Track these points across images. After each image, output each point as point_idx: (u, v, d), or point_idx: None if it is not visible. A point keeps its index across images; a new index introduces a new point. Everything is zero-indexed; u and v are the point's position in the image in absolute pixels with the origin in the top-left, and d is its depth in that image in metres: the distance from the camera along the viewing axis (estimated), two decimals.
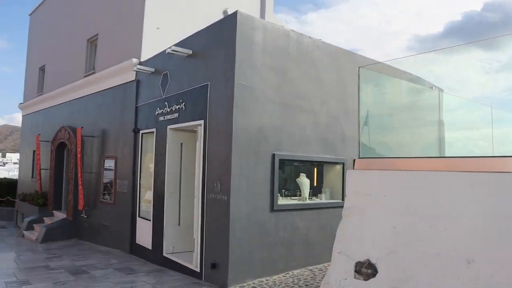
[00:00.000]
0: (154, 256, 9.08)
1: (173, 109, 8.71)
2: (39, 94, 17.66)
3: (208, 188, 7.37)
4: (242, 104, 7.08)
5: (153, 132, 9.51)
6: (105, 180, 11.78)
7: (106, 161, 11.78)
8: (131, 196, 10.35)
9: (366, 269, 4.68)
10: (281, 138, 7.70)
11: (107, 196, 11.60)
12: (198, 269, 7.53)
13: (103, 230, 11.56)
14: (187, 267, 7.87)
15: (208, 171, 7.43)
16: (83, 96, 13.56)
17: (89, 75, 13.38)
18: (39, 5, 19.22)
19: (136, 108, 10.47)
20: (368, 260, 4.69)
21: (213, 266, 7.07)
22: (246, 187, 7.07)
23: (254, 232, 7.17)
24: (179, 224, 8.80)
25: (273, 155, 7.51)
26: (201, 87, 7.87)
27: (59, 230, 12.91)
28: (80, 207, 12.42)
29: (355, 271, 4.77)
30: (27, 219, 14.51)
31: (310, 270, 7.99)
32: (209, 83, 7.65)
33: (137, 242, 9.99)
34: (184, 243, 8.79)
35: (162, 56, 9.49)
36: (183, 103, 8.40)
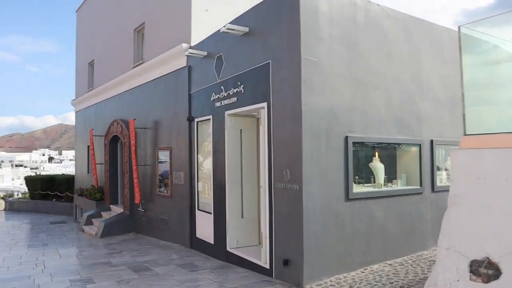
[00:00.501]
0: (217, 251, 8.57)
1: (231, 93, 8.08)
2: (90, 89, 17.64)
3: (276, 177, 6.69)
4: (310, 82, 6.32)
5: (209, 119, 8.95)
6: (160, 172, 11.41)
7: (160, 152, 11.39)
8: (189, 188, 9.88)
9: (485, 269, 3.85)
10: (353, 118, 6.89)
11: (163, 189, 11.23)
12: (267, 266, 6.90)
13: (161, 224, 11.22)
14: (255, 263, 7.26)
15: (274, 158, 6.75)
16: (133, 88, 13.25)
17: (138, 65, 13.02)
18: (85, 1, 19.17)
19: (189, 95, 9.94)
20: (488, 258, 3.85)
21: (286, 262, 6.40)
22: (319, 174, 6.33)
23: (329, 224, 6.44)
24: (242, 217, 8.20)
25: (346, 137, 6.72)
26: (261, 67, 7.17)
27: (117, 225, 12.73)
28: (136, 201, 12.15)
29: (471, 271, 3.94)
30: (86, 214, 14.49)
31: (390, 265, 7.17)
32: (270, 61, 6.93)
33: (197, 236, 9.52)
34: (249, 237, 8.21)
35: (215, 37, 8.88)
36: (242, 86, 7.74)
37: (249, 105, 7.52)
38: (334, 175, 6.53)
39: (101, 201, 15.07)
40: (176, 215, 10.51)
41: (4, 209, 27.73)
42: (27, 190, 27.41)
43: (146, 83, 12.37)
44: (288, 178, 6.38)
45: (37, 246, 11.28)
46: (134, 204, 12.61)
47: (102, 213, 14.42)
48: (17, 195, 33.75)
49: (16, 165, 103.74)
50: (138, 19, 13.46)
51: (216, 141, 8.65)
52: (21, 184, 43.85)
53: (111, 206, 14.60)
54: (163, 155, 11.21)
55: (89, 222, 14.24)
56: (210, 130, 8.88)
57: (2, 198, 31.34)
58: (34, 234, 14.13)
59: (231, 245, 8.10)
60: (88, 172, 17.53)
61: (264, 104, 6.99)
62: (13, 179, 64.63)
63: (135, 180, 12.07)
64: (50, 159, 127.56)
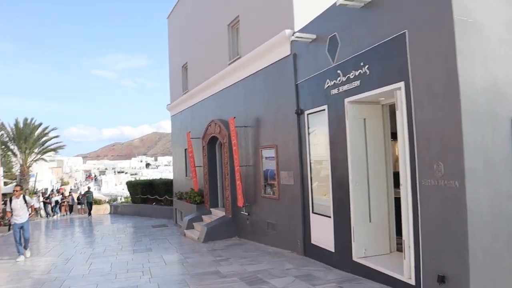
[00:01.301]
0: (339, 260, 7.43)
1: (351, 77, 6.91)
2: (185, 92, 17.43)
3: (422, 171, 5.39)
4: (466, 50, 4.95)
5: (323, 110, 7.85)
6: (264, 173, 10.54)
7: (264, 151, 10.52)
8: (300, 188, 8.86)
9: None
10: None
11: (269, 190, 10.34)
12: (412, 281, 5.61)
13: (268, 228, 10.33)
14: (393, 277, 6.01)
15: (419, 148, 5.45)
16: (230, 85, 12.59)
17: (234, 61, 12.32)
18: (175, 6, 19.09)
19: (296, 86, 8.94)
20: None
21: (442, 279, 5.07)
22: (483, 166, 4.92)
23: (499, 230, 5.00)
24: (370, 221, 6.97)
25: None
26: (392, 40, 5.92)
27: (220, 229, 12.11)
28: (239, 204, 11.42)
29: None
30: (186, 218, 14.13)
31: None
32: (406, 31, 5.66)
33: (312, 242, 8.46)
34: (378, 245, 6.96)
35: (325, 16, 7.78)
36: (366, 67, 6.54)
37: (377, 88, 6.30)
38: (502, 167, 5.07)
39: (201, 204, 14.65)
40: (286, 218, 9.55)
41: (110, 213, 29.03)
42: (129, 195, 28.45)
43: (244, 79, 11.62)
44: (442, 173, 5.05)
45: (142, 251, 10.97)
46: (237, 207, 11.90)
47: (202, 216, 13.97)
48: (120, 199, 35.44)
49: (118, 172, 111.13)
50: (231, 13, 12.78)
51: (333, 134, 7.53)
52: (123, 189, 46.31)
53: (211, 209, 14.10)
54: (268, 154, 10.33)
55: (190, 226, 13.85)
56: (325, 122, 7.77)
57: (108, 202, 33.01)
58: (138, 238, 14.05)
59: (358, 254, 6.91)
60: (186, 175, 17.32)
61: (401, 84, 5.73)
62: (115, 185, 68.96)
63: (238, 182, 11.35)
64: (147, 165, 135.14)
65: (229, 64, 12.65)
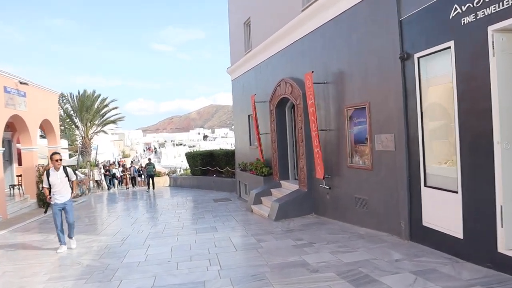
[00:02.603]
0: (473, 250, 5.47)
1: None
2: (248, 51, 15.63)
3: None
4: None
5: (447, 48, 5.75)
6: (352, 137, 8.64)
7: (350, 111, 8.59)
8: (405, 155, 6.88)
9: None
10: None
11: (357, 159, 8.44)
12: None
13: (357, 205, 8.49)
14: None
15: None
16: (303, 36, 10.63)
17: (309, 6, 10.29)
18: None
19: (400, 22, 6.85)
20: None
21: None
22: None
23: None
24: None
25: None
26: None
27: (293, 205, 10.41)
28: (318, 175, 9.62)
29: None
30: (253, 192, 12.54)
31: None
32: None
33: (424, 224, 6.52)
34: None
35: None
36: None
37: None
38: None
39: (269, 177, 13.02)
40: (382, 193, 7.65)
41: (169, 185, 28.33)
42: (188, 166, 27.50)
43: (322, 25, 9.62)
44: None
45: (206, 231, 9.52)
46: (314, 179, 10.13)
47: (271, 190, 12.33)
48: (179, 171, 34.81)
49: (176, 144, 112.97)
50: None
51: (465, 79, 5.45)
52: (182, 161, 46.04)
53: (281, 182, 12.42)
54: (356, 114, 8.39)
55: (257, 201, 12.27)
56: (450, 64, 5.69)
57: (167, 174, 32.45)
58: (200, 214, 12.68)
59: (509, 245, 4.92)
60: (251, 145, 15.72)
61: None
62: (174, 157, 69.56)
63: (316, 150, 9.52)
64: (205, 137, 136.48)
65: (302, 11, 10.64)
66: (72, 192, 8.57)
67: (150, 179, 23.91)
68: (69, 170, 8.60)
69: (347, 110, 8.68)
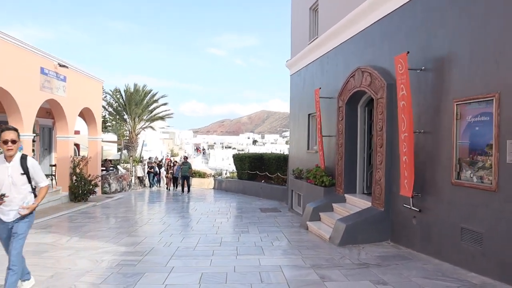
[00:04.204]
0: None
1: None
2: (313, 39, 13.36)
3: None
4: None
5: None
6: (461, 144, 6.16)
7: (463, 106, 6.12)
8: None
9: None
10: None
11: (470, 174, 5.94)
12: None
13: (464, 239, 5.99)
14: None
15: None
16: (390, 13, 8.26)
17: None
18: None
19: None
20: None
21: None
22: None
23: None
24: None
25: None
26: None
27: (364, 227, 8.02)
28: (404, 192, 7.20)
29: None
30: (310, 206, 10.21)
31: None
32: None
33: None
34: None
35: None
36: None
37: None
38: None
39: (331, 188, 10.65)
40: (511, 227, 5.15)
41: (213, 187, 26.48)
42: (234, 170, 25.53)
43: None
44: None
45: (249, 253, 7.35)
46: (395, 196, 7.71)
47: (333, 205, 9.98)
48: (225, 173, 32.97)
49: (225, 147, 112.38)
50: None
51: None
52: (229, 164, 44.39)
53: (346, 195, 10.04)
54: (474, 111, 5.92)
55: (315, 216, 9.94)
56: None
57: (213, 176, 30.67)
58: (243, 226, 10.51)
59: None
60: (308, 148, 13.41)
61: None
62: (222, 159, 68.37)
63: (404, 158, 7.09)
64: (254, 142, 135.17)
65: None
66: (34, 202, 4.73)
67: (185, 181, 21.31)
68: (32, 163, 4.69)
69: (456, 104, 6.21)
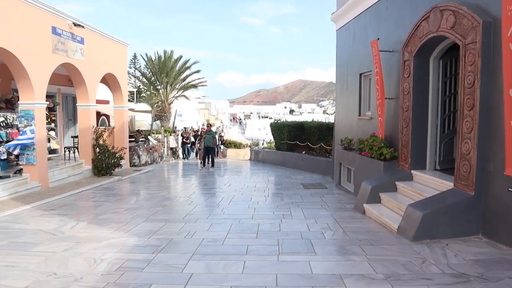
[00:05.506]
0: None
1: None
2: None
3: None
4: None
5: None
6: None
7: None
8: None
9: None
10: None
11: None
12: None
13: None
14: None
15: None
16: None
17: None
18: None
19: None
20: None
21: None
22: None
23: None
24: None
25: None
26: None
27: (448, 217, 6.04)
28: (508, 172, 5.14)
29: None
30: (368, 185, 8.24)
31: None
32: None
33: None
34: None
35: None
36: None
37: None
38: None
39: (392, 162, 8.64)
40: None
41: (250, 159, 24.87)
42: (272, 140, 23.73)
43: None
44: None
45: (295, 252, 5.55)
46: (493, 176, 5.67)
47: (397, 184, 8.01)
48: (262, 144, 31.22)
49: (262, 117, 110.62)
50: None
51: None
52: (266, 134, 42.68)
53: (413, 172, 8.02)
54: None
55: (373, 198, 8.00)
56: None
57: (249, 146, 29.03)
58: (285, 208, 8.69)
59: None
60: (360, 115, 11.32)
61: None
62: (259, 129, 66.71)
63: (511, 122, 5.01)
64: (291, 111, 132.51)
65: None
66: None
67: (208, 154, 18.43)
68: None
69: None
